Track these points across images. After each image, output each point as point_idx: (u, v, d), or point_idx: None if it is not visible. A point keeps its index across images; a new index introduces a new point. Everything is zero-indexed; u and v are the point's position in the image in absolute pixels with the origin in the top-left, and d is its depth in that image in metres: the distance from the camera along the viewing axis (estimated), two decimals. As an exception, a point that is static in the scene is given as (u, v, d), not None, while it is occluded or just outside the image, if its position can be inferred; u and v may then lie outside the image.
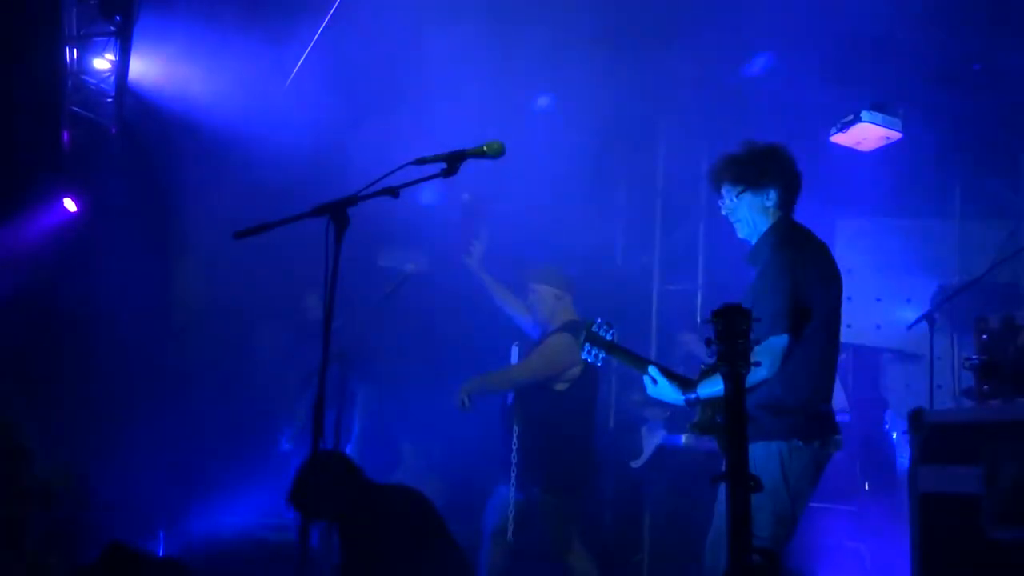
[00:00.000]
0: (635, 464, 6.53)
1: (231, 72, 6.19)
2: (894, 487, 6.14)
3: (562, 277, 5.67)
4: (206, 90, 6.20)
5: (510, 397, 5.50)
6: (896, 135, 6.40)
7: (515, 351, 5.59)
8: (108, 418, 5.82)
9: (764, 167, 3.79)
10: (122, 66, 6.03)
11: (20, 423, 2.88)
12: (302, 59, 6.42)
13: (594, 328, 4.03)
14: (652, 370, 3.80)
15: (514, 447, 5.34)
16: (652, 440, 6.50)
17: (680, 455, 6.35)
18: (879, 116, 6.33)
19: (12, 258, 5.84)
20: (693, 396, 3.68)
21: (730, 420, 2.83)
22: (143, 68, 6.28)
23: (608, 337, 4.00)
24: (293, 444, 6.16)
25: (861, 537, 6.19)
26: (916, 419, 3.37)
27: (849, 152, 6.62)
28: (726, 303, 2.88)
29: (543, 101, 7.08)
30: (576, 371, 5.34)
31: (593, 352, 4.02)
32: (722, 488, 3.50)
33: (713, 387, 3.59)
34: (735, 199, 3.83)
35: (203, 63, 6.16)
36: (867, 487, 6.41)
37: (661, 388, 3.77)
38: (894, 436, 6.45)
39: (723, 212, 3.90)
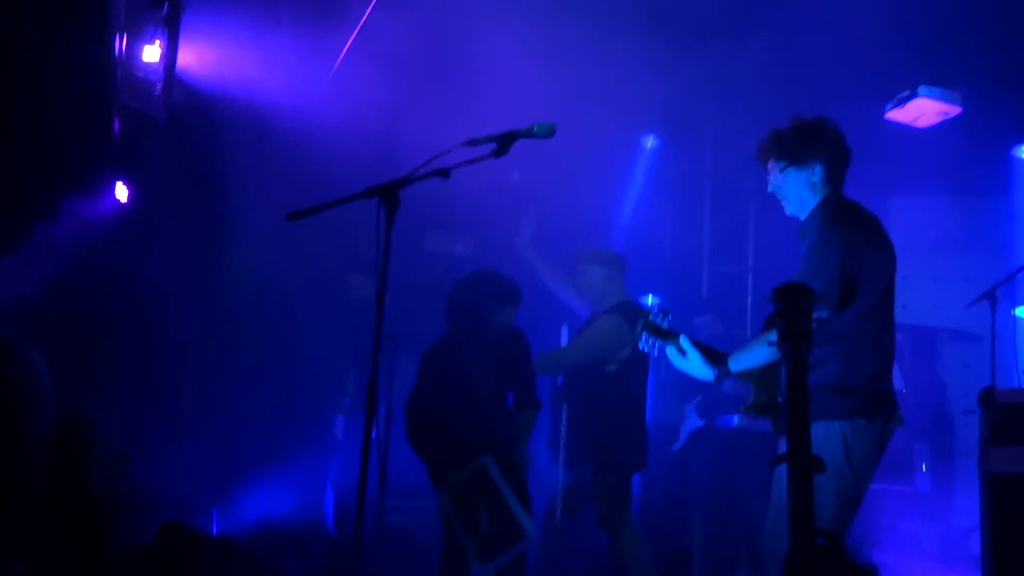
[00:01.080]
0: (674, 447, 6.52)
1: (279, 58, 6.19)
2: (952, 468, 6.03)
3: (613, 257, 5.62)
4: (254, 77, 6.21)
5: (560, 378, 5.47)
6: (955, 110, 6.26)
7: (565, 332, 5.56)
8: (164, 400, 5.90)
9: (808, 142, 3.71)
10: (170, 55, 6.05)
11: (91, 419, 2.90)
12: (350, 42, 6.40)
13: (651, 318, 3.94)
14: (683, 339, 3.73)
15: (563, 427, 5.31)
16: (687, 424, 6.49)
17: (719, 437, 6.31)
18: (937, 91, 6.19)
19: (66, 246, 5.92)
20: (724, 370, 3.63)
21: (792, 400, 2.76)
22: (191, 57, 6.31)
23: (665, 326, 3.94)
24: (344, 433, 6.19)
25: (918, 518, 6.10)
26: (987, 399, 3.28)
27: (905, 128, 6.48)
28: (786, 281, 2.81)
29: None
30: (627, 352, 5.29)
31: (651, 342, 3.94)
32: (779, 472, 3.47)
33: (744, 362, 3.56)
34: (780, 175, 3.76)
35: (251, 50, 6.17)
36: (924, 468, 6.31)
37: (690, 361, 3.71)
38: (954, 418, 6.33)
39: (770, 189, 3.83)
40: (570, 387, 5.40)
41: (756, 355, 3.58)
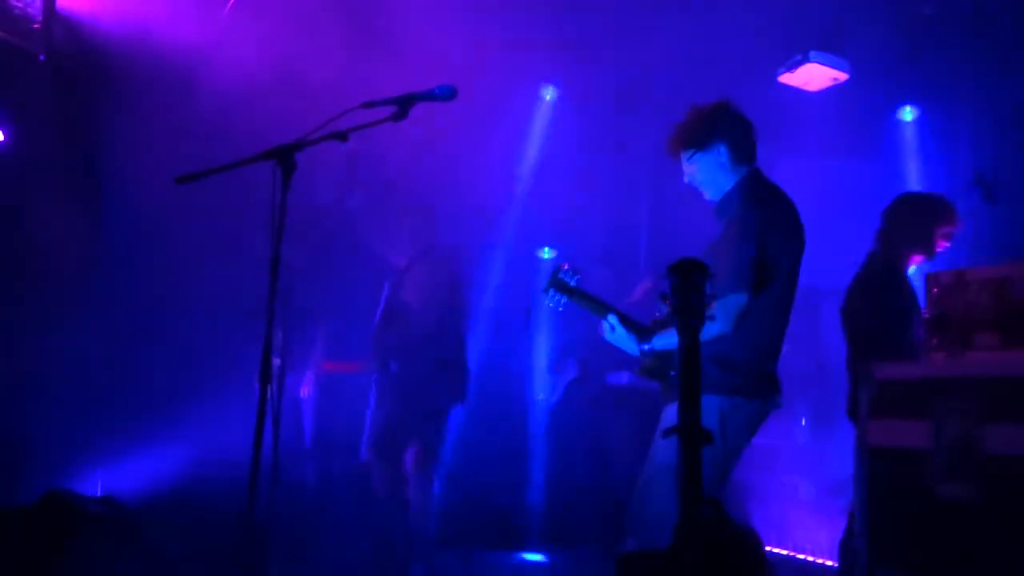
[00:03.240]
0: (551, 400, 6.65)
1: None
2: (831, 423, 6.28)
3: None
4: (141, 15, 5.93)
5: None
6: (843, 76, 6.43)
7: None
8: (39, 357, 5.66)
9: (708, 126, 3.78)
10: (49, -12, 5.75)
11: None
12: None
13: (560, 275, 3.99)
14: (611, 317, 3.82)
15: None
16: (563, 377, 6.62)
17: (594, 391, 6.47)
18: (827, 56, 6.34)
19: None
20: (648, 347, 3.71)
21: (684, 374, 2.83)
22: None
23: (573, 283, 3.98)
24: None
25: (797, 471, 6.36)
26: (866, 374, 3.42)
27: (796, 92, 6.64)
28: (683, 256, 2.86)
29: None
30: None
31: (556, 297, 3.99)
32: (661, 441, 3.56)
33: (667, 339, 3.61)
34: (690, 163, 3.84)
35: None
36: (803, 423, 6.57)
37: (618, 335, 3.80)
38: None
39: (687, 180, 3.90)
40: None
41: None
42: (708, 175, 3.82)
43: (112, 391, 5.72)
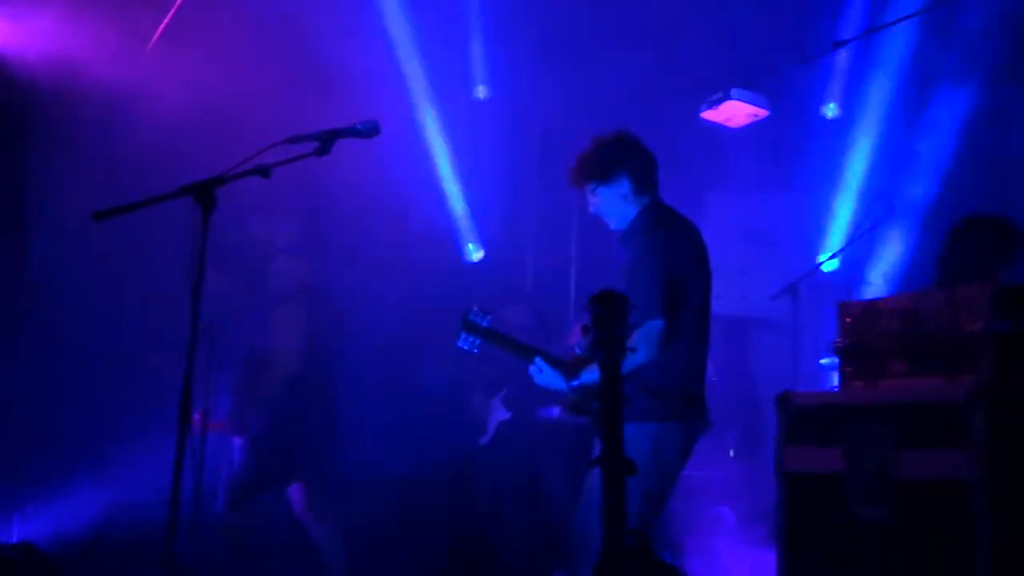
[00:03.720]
0: (482, 441, 6.57)
1: (92, 31, 5.86)
2: (758, 454, 6.37)
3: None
4: (64, 50, 5.85)
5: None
6: (763, 112, 6.59)
7: None
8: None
9: (610, 158, 3.85)
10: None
11: None
12: (168, 17, 6.13)
13: (470, 316, 3.99)
14: (537, 360, 3.81)
15: None
16: (495, 417, 6.57)
17: (527, 429, 6.44)
18: (747, 94, 6.50)
19: None
20: (576, 383, 3.73)
21: (606, 406, 2.86)
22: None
23: (485, 324, 3.98)
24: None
25: (724, 501, 6.41)
26: (783, 402, 3.48)
27: (719, 128, 6.78)
28: (603, 288, 2.90)
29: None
30: None
31: (470, 340, 3.99)
32: (591, 473, 3.58)
33: (595, 372, 3.64)
34: (594, 195, 3.90)
35: (62, 21, 5.81)
36: (732, 454, 6.65)
37: (546, 376, 3.81)
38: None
39: (592, 211, 3.96)
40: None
41: None
42: (611, 206, 3.88)
43: (28, 432, 5.58)
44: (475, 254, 7.66)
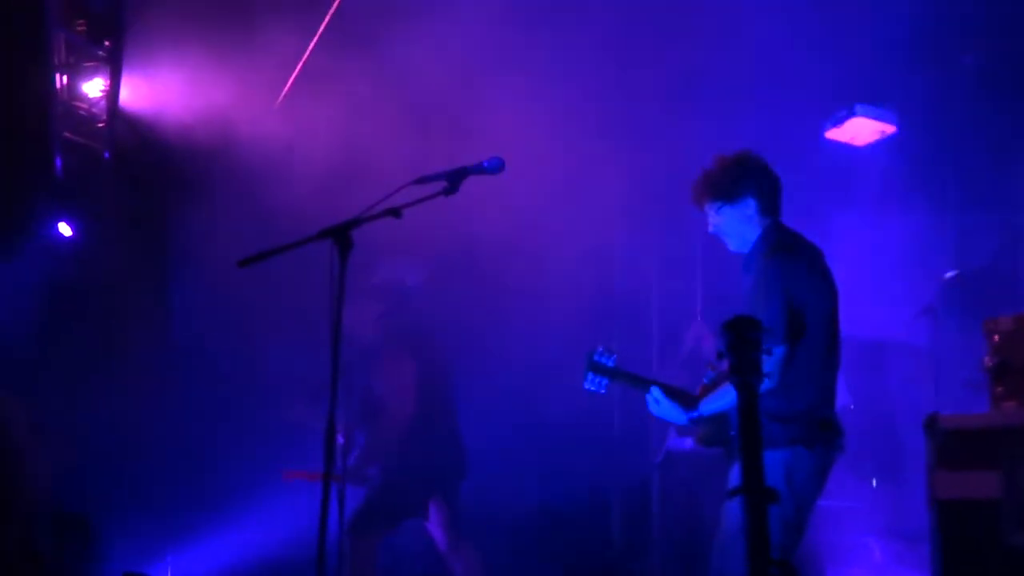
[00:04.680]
0: (656, 461, 6.55)
1: (225, 91, 6.15)
2: (902, 482, 6.14)
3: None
4: (200, 110, 6.16)
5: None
6: (891, 128, 6.42)
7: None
8: (111, 440, 5.78)
9: (736, 178, 3.79)
10: (113, 90, 6.02)
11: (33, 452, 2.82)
12: (295, 73, 6.39)
13: (596, 358, 3.99)
14: (655, 390, 3.81)
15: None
16: (669, 442, 6.52)
17: (689, 457, 6.35)
18: (873, 109, 6.35)
19: (9, 283, 5.82)
20: (696, 414, 3.71)
21: (744, 432, 2.81)
22: (135, 90, 6.26)
23: (611, 364, 3.98)
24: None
25: (869, 532, 6.20)
26: (931, 425, 3.36)
27: (845, 147, 6.64)
28: (735, 314, 2.87)
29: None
30: None
31: (597, 380, 3.99)
32: (729, 504, 3.52)
33: (715, 403, 3.63)
34: (716, 215, 3.84)
35: (195, 83, 6.13)
36: (875, 483, 6.42)
37: (663, 408, 3.79)
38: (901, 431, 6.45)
39: (711, 231, 3.91)
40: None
41: (728, 397, 3.59)
42: (733, 227, 3.83)
43: (181, 473, 5.81)
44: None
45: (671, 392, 3.78)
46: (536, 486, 7.00)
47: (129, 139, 6.35)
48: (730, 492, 2.86)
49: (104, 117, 6.26)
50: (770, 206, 3.82)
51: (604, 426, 7.04)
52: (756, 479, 2.76)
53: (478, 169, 3.53)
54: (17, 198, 6.01)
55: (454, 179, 3.53)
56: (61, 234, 6.35)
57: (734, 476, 3.51)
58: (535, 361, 6.69)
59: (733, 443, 3.61)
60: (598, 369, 3.97)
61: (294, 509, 5.54)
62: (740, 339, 2.84)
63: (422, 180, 3.49)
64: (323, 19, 5.96)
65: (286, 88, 6.35)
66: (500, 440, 6.76)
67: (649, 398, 3.81)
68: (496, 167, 3.55)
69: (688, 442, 6.13)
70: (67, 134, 6.29)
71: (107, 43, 5.68)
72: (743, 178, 3.78)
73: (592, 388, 4.00)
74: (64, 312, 5.95)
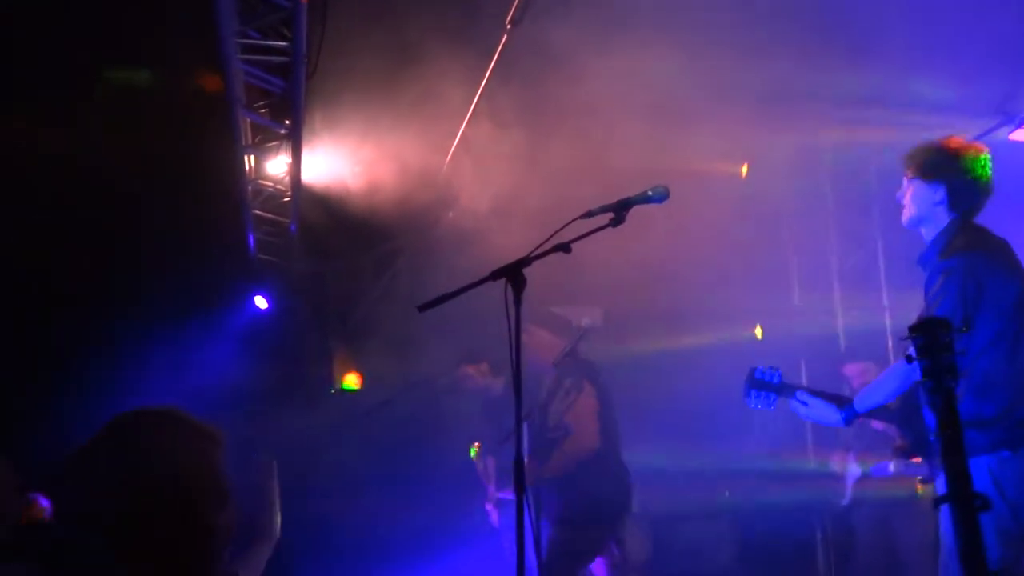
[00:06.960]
0: (844, 503, 6.28)
1: (389, 153, 6.42)
2: None
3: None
4: (378, 178, 6.45)
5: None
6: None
7: None
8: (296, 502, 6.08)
9: (936, 160, 3.69)
10: (295, 165, 6.39)
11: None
12: (460, 131, 6.58)
13: (757, 375, 3.96)
14: (800, 394, 3.80)
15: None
16: (851, 475, 6.25)
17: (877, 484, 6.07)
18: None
19: (211, 357, 6.25)
20: (851, 412, 3.65)
21: (944, 435, 2.68)
22: (314, 162, 6.63)
23: (777, 381, 3.94)
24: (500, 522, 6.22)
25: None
26: None
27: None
28: (922, 316, 2.77)
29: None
30: None
31: (762, 397, 3.94)
32: (943, 517, 3.34)
33: (872, 397, 3.58)
34: (907, 182, 3.77)
35: (373, 152, 6.42)
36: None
37: (813, 409, 3.77)
38: None
39: (897, 196, 3.81)
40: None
41: (883, 389, 3.60)
42: (917, 204, 3.72)
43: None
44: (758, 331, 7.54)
45: (818, 394, 3.77)
46: (732, 526, 6.86)
47: (312, 210, 6.73)
48: (936, 501, 2.72)
49: (289, 192, 6.67)
50: (963, 203, 3.67)
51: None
52: (962, 484, 2.63)
53: (644, 198, 3.53)
54: (218, 277, 6.46)
55: (620, 210, 3.54)
56: (258, 307, 6.78)
57: (940, 485, 3.34)
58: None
59: (932, 448, 3.45)
60: (762, 386, 3.94)
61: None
62: (931, 341, 2.74)
63: (589, 214, 3.52)
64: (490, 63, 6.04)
65: (452, 146, 6.56)
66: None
67: (793, 402, 3.81)
68: (661, 196, 3.54)
69: (886, 467, 5.85)
70: (256, 211, 6.74)
71: (287, 121, 6.02)
72: (943, 163, 3.69)
73: (757, 406, 3.96)
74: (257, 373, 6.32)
